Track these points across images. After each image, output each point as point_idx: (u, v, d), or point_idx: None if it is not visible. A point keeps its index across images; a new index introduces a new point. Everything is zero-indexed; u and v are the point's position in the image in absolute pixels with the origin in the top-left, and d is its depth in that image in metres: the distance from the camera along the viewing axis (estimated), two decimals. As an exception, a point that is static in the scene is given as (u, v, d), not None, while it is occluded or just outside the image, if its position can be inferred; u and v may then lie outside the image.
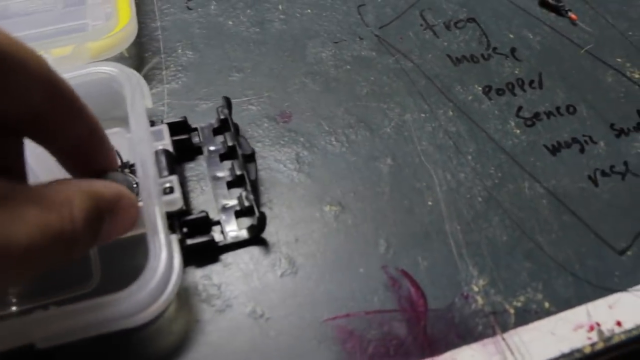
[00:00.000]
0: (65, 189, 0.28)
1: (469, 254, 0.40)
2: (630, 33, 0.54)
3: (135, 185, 0.36)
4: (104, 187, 0.30)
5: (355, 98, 0.48)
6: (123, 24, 0.47)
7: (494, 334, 0.37)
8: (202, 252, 0.39)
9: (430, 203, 0.42)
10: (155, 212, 0.35)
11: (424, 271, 0.39)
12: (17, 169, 0.33)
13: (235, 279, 0.38)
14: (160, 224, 0.34)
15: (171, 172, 0.39)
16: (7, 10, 0.52)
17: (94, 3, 0.51)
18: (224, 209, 0.41)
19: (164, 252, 0.33)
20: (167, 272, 0.33)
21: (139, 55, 0.50)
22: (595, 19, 0.55)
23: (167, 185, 0.38)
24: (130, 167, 0.41)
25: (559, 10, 0.55)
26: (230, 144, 0.43)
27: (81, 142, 0.32)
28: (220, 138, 0.44)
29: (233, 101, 0.46)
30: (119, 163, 0.40)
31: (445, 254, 0.40)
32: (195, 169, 0.43)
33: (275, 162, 0.44)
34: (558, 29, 0.54)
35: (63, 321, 0.32)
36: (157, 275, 0.33)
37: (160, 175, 0.38)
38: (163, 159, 0.39)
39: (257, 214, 0.39)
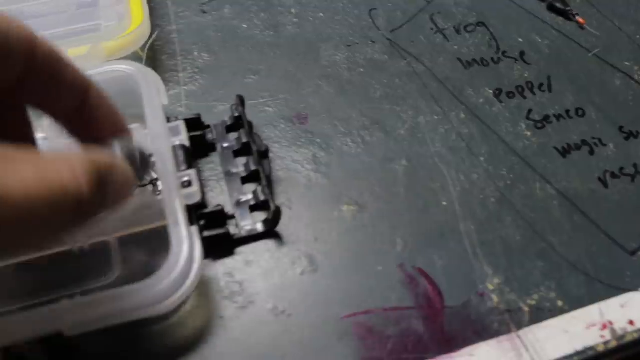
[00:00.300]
0: (64, 153, 0.27)
1: (483, 253, 0.41)
2: (638, 36, 0.54)
3: (143, 154, 0.35)
4: (99, 153, 0.29)
5: (369, 100, 0.49)
6: (136, 24, 0.47)
7: (509, 331, 0.37)
8: (218, 244, 0.40)
9: (444, 203, 0.43)
10: (176, 205, 0.36)
11: (440, 269, 0.40)
12: (22, 137, 0.33)
13: (256, 276, 0.39)
14: (181, 216, 0.36)
15: (189, 166, 0.40)
16: (22, 13, 0.53)
17: (106, 4, 0.52)
18: (239, 203, 0.42)
19: (186, 242, 0.35)
20: (189, 261, 0.34)
21: (156, 57, 0.51)
22: (602, 22, 0.56)
23: (186, 178, 0.39)
24: None
25: (566, 15, 0.56)
26: (245, 140, 0.44)
27: (79, 102, 0.32)
28: (232, 135, 0.45)
29: (249, 103, 0.47)
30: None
31: (460, 253, 0.41)
32: (209, 164, 0.44)
33: (292, 163, 0.45)
34: (566, 32, 0.55)
35: (90, 309, 0.33)
36: (180, 263, 0.34)
37: (179, 170, 0.39)
38: (181, 154, 0.40)
39: (273, 207, 0.40)
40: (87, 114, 0.33)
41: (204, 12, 0.55)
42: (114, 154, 0.32)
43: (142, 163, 0.33)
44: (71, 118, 0.33)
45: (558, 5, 0.56)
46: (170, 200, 0.36)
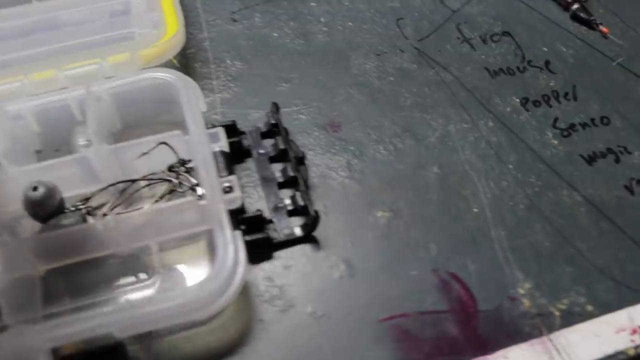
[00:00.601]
0: None
1: (514, 258, 0.42)
2: (661, 47, 0.56)
3: None
4: None
5: (400, 109, 0.50)
6: (172, 31, 0.48)
7: (540, 334, 0.39)
8: (258, 248, 0.41)
9: (475, 210, 0.44)
10: (220, 210, 0.37)
11: (473, 274, 0.41)
12: None
13: (295, 281, 0.40)
14: (226, 221, 0.37)
15: (230, 172, 0.41)
16: (57, 20, 0.54)
17: (139, 12, 0.53)
18: (276, 208, 0.43)
19: (231, 246, 0.36)
20: (235, 265, 0.36)
21: (189, 65, 0.52)
22: (626, 32, 0.57)
23: (227, 184, 0.40)
24: (185, 165, 0.43)
25: (590, 24, 0.57)
26: (282, 146, 0.45)
27: None
28: (267, 142, 0.46)
29: (283, 110, 0.48)
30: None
31: (492, 258, 0.42)
32: (245, 170, 0.46)
33: (327, 170, 0.46)
34: (590, 42, 0.56)
35: (141, 312, 0.34)
36: (226, 267, 0.35)
37: (220, 175, 0.40)
38: (221, 160, 0.42)
39: (312, 212, 0.41)
40: None
41: (235, 20, 0.56)
42: None
43: None
44: None
45: (582, 14, 0.57)
46: (215, 205, 0.37)
